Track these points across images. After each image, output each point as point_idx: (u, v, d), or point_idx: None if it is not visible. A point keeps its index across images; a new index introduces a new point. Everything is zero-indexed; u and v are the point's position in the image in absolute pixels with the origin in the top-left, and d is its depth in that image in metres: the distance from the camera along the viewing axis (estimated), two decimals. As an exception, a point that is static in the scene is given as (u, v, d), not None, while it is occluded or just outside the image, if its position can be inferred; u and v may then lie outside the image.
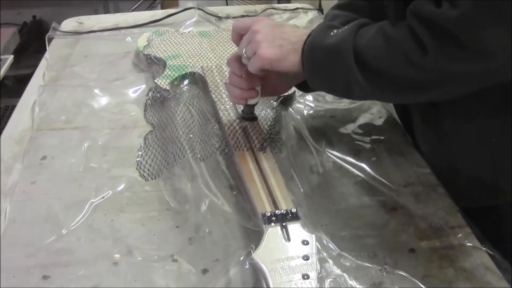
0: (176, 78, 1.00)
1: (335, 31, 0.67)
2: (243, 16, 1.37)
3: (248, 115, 0.84)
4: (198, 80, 1.01)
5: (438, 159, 0.81)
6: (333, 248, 0.66)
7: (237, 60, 0.77)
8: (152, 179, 0.79)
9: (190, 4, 1.39)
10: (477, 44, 0.55)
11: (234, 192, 0.76)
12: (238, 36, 0.76)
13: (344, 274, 0.62)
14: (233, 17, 1.36)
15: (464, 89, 0.63)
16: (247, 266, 0.63)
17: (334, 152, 0.84)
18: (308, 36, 0.70)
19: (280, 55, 0.70)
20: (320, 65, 0.68)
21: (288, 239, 0.62)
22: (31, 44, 2.67)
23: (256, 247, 0.61)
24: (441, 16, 0.55)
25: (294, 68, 0.70)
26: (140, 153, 0.83)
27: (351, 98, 0.70)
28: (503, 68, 0.58)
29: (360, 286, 0.61)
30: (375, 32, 0.63)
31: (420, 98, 0.70)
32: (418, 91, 0.63)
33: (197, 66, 1.03)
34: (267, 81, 0.80)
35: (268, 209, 0.66)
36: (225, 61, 1.00)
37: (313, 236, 0.62)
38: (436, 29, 0.56)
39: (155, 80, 0.98)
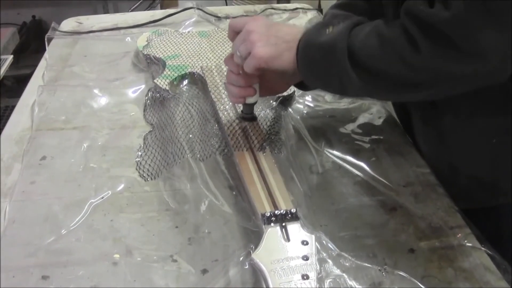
0: (175, 78, 1.00)
1: (330, 28, 0.67)
2: (242, 16, 1.37)
3: (248, 115, 0.84)
4: (197, 80, 1.01)
5: (438, 159, 0.81)
6: (332, 248, 0.66)
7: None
8: (151, 179, 0.79)
9: (189, 4, 1.39)
10: (470, 45, 0.55)
11: (234, 193, 0.76)
12: (234, 34, 0.76)
13: (344, 274, 0.62)
14: (233, 17, 1.36)
15: (457, 89, 0.63)
16: (247, 267, 0.63)
17: (334, 152, 0.84)
18: (304, 34, 0.70)
19: (275, 54, 0.70)
20: (314, 62, 0.68)
21: (288, 239, 0.62)
22: (31, 44, 2.67)
23: (256, 247, 0.61)
24: (434, 17, 0.55)
25: (290, 66, 0.70)
26: (139, 153, 0.83)
27: (346, 95, 0.70)
28: (496, 69, 0.58)
29: (360, 286, 0.61)
30: (369, 30, 0.63)
31: (414, 97, 0.70)
32: (411, 90, 0.63)
33: (196, 66, 1.03)
34: (266, 81, 0.80)
35: (267, 209, 0.66)
36: (224, 61, 1.00)
37: (313, 236, 0.62)
38: (429, 29, 0.56)
39: (155, 80, 0.98)
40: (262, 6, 1.44)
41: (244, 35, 0.72)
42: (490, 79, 0.61)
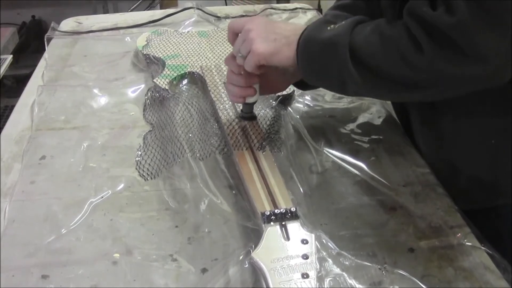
0: (175, 77, 1.00)
1: (331, 26, 0.67)
2: (242, 16, 1.37)
3: (247, 115, 0.84)
4: (197, 80, 1.01)
5: (438, 159, 0.81)
6: (332, 247, 0.66)
7: (235, 58, 0.78)
8: (151, 178, 0.79)
9: (189, 4, 1.39)
10: (473, 48, 0.56)
11: (234, 192, 0.76)
12: (234, 36, 0.77)
13: (344, 273, 0.62)
14: (232, 17, 1.36)
15: (457, 91, 0.63)
16: (247, 266, 0.63)
17: (333, 152, 0.84)
18: (304, 30, 0.70)
19: (274, 49, 0.70)
20: (315, 58, 0.68)
21: (288, 238, 0.62)
22: (30, 44, 2.68)
23: (256, 246, 0.61)
24: (439, 20, 0.56)
25: (289, 61, 0.70)
26: (139, 152, 0.83)
27: (346, 94, 0.70)
28: (496, 72, 0.58)
29: (360, 285, 0.61)
30: (371, 29, 0.64)
31: (414, 97, 0.70)
32: (412, 90, 0.63)
33: (196, 66, 1.03)
34: (265, 80, 0.80)
35: (267, 208, 0.66)
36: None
37: (313, 235, 0.62)
38: (433, 31, 0.56)
39: (154, 80, 0.99)
40: (262, 6, 1.44)
41: (244, 35, 0.73)
42: (491, 82, 0.61)
